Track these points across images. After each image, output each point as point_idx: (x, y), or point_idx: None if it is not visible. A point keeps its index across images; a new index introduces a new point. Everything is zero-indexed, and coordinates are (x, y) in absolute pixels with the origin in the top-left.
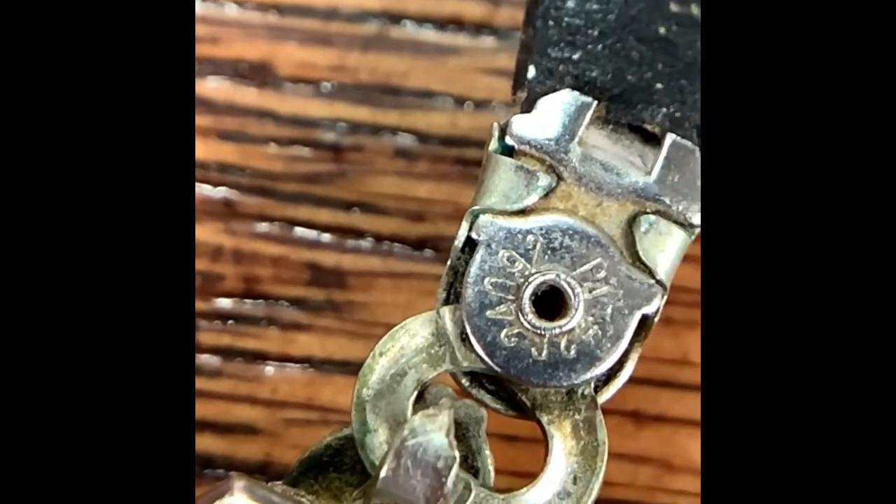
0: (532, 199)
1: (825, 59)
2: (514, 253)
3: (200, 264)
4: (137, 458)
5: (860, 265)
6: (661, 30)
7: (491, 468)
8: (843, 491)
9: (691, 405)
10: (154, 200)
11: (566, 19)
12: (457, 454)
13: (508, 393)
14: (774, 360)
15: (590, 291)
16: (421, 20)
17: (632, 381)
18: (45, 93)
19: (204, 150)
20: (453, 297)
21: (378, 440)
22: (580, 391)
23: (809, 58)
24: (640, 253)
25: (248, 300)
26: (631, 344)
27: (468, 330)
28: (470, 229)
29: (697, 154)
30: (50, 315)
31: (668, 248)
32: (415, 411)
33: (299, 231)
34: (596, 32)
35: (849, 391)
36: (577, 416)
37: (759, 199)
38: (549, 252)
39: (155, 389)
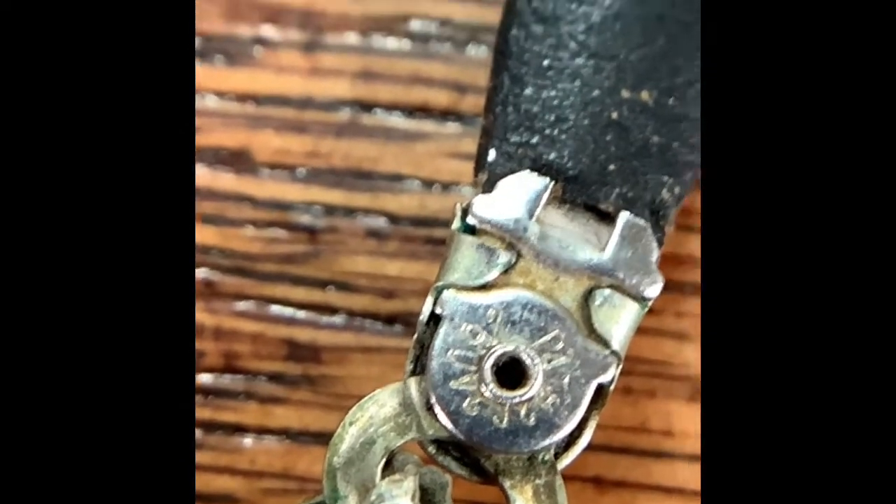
0: (493, 275)
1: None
2: (476, 326)
3: None
4: None
5: (852, 313)
6: (614, 115)
7: None
8: None
9: (650, 471)
10: (153, 283)
11: (524, 106)
12: None
13: (473, 459)
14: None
15: (548, 362)
16: (390, 108)
17: (592, 447)
18: (48, 175)
19: None
20: (419, 368)
21: None
22: (541, 457)
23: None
24: (596, 325)
25: (227, 375)
26: (588, 412)
27: (433, 400)
28: (434, 304)
29: (649, 231)
30: (44, 390)
31: (622, 320)
32: (383, 478)
33: (276, 309)
34: (552, 118)
35: (840, 451)
36: (537, 481)
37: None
38: (509, 325)
39: (152, 462)
